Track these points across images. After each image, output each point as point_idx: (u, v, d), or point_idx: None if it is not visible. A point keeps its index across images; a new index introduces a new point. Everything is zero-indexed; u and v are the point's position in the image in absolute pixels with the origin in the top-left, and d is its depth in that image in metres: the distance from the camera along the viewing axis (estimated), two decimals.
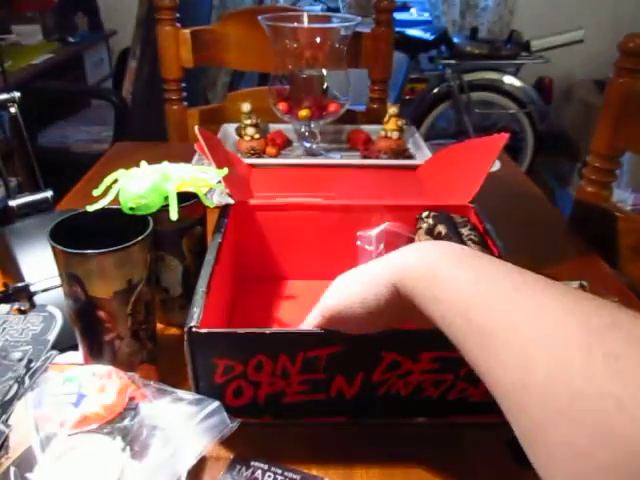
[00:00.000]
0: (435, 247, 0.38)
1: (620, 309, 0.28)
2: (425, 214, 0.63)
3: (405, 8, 3.01)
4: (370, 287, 0.39)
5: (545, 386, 0.26)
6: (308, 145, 1.00)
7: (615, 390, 0.24)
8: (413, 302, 0.37)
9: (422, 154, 0.99)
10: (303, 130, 1.00)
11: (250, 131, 1.00)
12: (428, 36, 2.51)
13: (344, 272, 0.44)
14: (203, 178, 0.56)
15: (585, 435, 0.24)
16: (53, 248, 0.48)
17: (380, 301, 0.39)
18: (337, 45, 0.95)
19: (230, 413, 0.45)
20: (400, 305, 0.38)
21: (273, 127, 1.08)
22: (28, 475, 0.41)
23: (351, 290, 0.41)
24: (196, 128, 0.64)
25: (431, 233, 0.60)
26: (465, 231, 0.58)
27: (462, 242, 0.56)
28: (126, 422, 0.44)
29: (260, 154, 0.99)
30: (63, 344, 0.56)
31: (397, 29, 1.31)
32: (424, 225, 0.61)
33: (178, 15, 1.18)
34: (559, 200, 2.46)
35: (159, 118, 1.29)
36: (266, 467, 0.46)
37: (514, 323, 0.29)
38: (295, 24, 0.95)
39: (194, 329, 0.44)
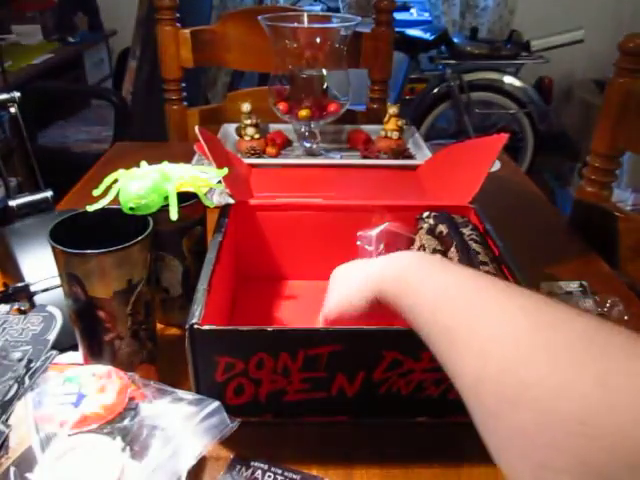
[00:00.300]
0: (407, 257, 0.43)
1: (565, 307, 0.31)
2: (426, 214, 0.63)
3: (405, 8, 3.01)
4: (355, 295, 0.46)
5: (497, 379, 0.30)
6: (308, 145, 1.00)
7: (555, 379, 0.27)
8: (392, 308, 0.41)
9: (422, 154, 0.98)
10: (303, 130, 1.00)
11: (250, 131, 1.00)
12: (428, 36, 2.50)
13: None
14: (203, 178, 0.56)
15: (531, 420, 0.27)
16: (53, 248, 0.48)
17: (364, 308, 0.45)
18: (337, 45, 0.95)
19: (231, 411, 0.45)
20: (382, 309, 0.43)
21: (273, 127, 1.08)
22: (28, 475, 0.41)
23: (342, 296, 0.48)
24: (196, 128, 0.64)
25: (432, 233, 0.60)
26: (466, 231, 0.58)
27: (463, 242, 0.56)
28: (126, 422, 0.44)
29: (260, 154, 0.99)
30: (63, 344, 0.56)
31: (397, 29, 1.31)
32: (425, 225, 0.61)
33: (178, 15, 1.18)
34: (559, 200, 2.46)
35: (159, 118, 1.29)
36: (266, 467, 0.46)
37: (474, 324, 0.33)
38: (295, 24, 0.95)
39: (195, 326, 0.44)
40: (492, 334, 0.31)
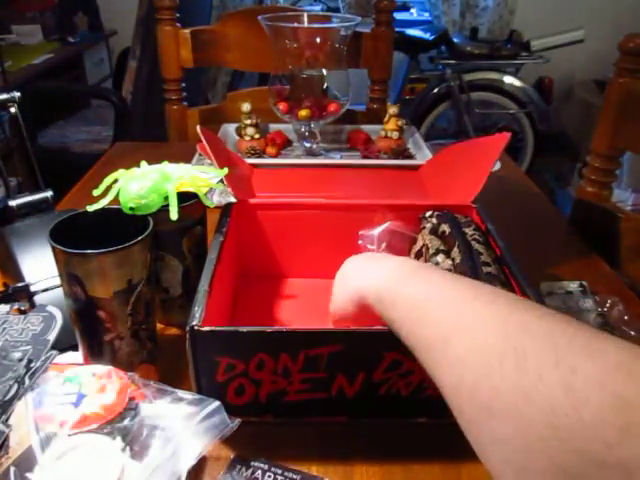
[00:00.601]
0: (386, 268, 0.44)
1: (535, 308, 0.33)
2: (429, 213, 0.63)
3: (405, 8, 3.01)
4: (346, 301, 0.48)
5: (473, 388, 0.31)
6: (308, 145, 1.00)
7: (524, 385, 0.28)
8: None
9: (422, 154, 0.99)
10: (303, 130, 1.00)
11: (250, 131, 1.00)
12: (428, 36, 2.50)
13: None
14: (203, 178, 0.56)
15: (504, 425, 0.29)
16: (53, 248, 0.47)
17: (355, 313, 0.47)
18: (337, 45, 0.95)
19: (231, 411, 0.45)
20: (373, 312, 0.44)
21: (273, 127, 1.08)
22: (28, 475, 0.41)
23: (337, 298, 0.50)
24: (198, 127, 0.64)
25: (435, 232, 0.60)
26: (469, 231, 0.58)
27: (466, 242, 0.56)
28: (126, 422, 0.44)
29: (260, 154, 0.99)
30: (63, 344, 0.56)
31: (397, 29, 1.31)
32: (428, 225, 0.61)
33: (178, 15, 1.18)
34: (559, 200, 2.46)
35: (159, 118, 1.29)
36: (266, 467, 0.46)
37: (448, 335, 0.34)
38: (295, 24, 0.95)
39: (196, 327, 0.44)
40: (466, 344, 0.33)
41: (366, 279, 0.45)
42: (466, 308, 0.35)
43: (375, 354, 0.46)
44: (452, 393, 0.33)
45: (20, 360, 0.52)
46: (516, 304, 0.34)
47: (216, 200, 0.84)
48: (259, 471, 0.45)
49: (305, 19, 0.97)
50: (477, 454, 0.31)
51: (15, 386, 0.49)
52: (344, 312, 0.49)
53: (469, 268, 0.53)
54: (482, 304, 0.35)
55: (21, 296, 0.61)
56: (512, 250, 0.57)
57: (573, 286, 0.68)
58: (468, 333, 0.33)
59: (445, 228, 0.59)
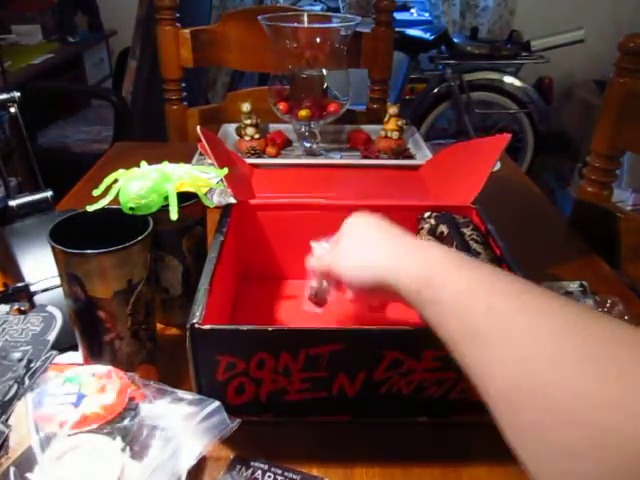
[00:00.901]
0: (431, 251, 0.40)
1: (589, 310, 0.30)
2: (427, 214, 0.63)
3: (405, 8, 3.01)
4: (365, 272, 0.44)
5: (541, 389, 0.27)
6: (308, 145, 1.00)
7: (605, 393, 0.25)
8: (406, 302, 0.40)
9: (422, 154, 0.99)
10: (303, 130, 1.00)
11: (250, 131, 1.00)
12: (428, 36, 2.50)
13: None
14: (203, 178, 0.56)
15: (578, 435, 0.25)
16: (53, 248, 0.47)
17: (372, 289, 0.44)
18: (337, 45, 0.95)
19: (232, 411, 0.45)
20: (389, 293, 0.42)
21: (273, 127, 1.08)
22: (28, 475, 0.41)
23: (356, 273, 0.46)
24: (198, 128, 0.64)
25: (433, 233, 0.60)
26: (467, 231, 0.58)
27: (464, 242, 0.56)
28: (126, 422, 0.44)
29: (260, 154, 0.99)
30: (63, 344, 0.56)
31: (397, 29, 1.31)
32: (426, 225, 0.61)
33: (178, 15, 1.18)
34: (559, 200, 2.46)
35: (159, 118, 1.29)
36: (266, 467, 0.46)
37: (509, 327, 0.31)
38: (295, 24, 0.95)
39: (197, 326, 0.44)
40: (533, 339, 0.29)
41: (403, 254, 0.41)
42: (529, 298, 0.32)
43: (376, 353, 0.46)
44: (507, 390, 0.29)
45: (20, 360, 0.52)
46: (570, 301, 0.32)
47: (216, 200, 0.84)
48: (259, 471, 0.45)
49: (305, 19, 0.97)
50: (524, 462, 0.29)
51: (15, 386, 0.49)
52: (361, 285, 0.45)
53: None
54: (542, 298, 0.32)
55: (21, 296, 0.61)
56: (512, 250, 0.57)
57: (573, 286, 0.68)
58: (535, 325, 0.30)
59: (443, 229, 0.59)
